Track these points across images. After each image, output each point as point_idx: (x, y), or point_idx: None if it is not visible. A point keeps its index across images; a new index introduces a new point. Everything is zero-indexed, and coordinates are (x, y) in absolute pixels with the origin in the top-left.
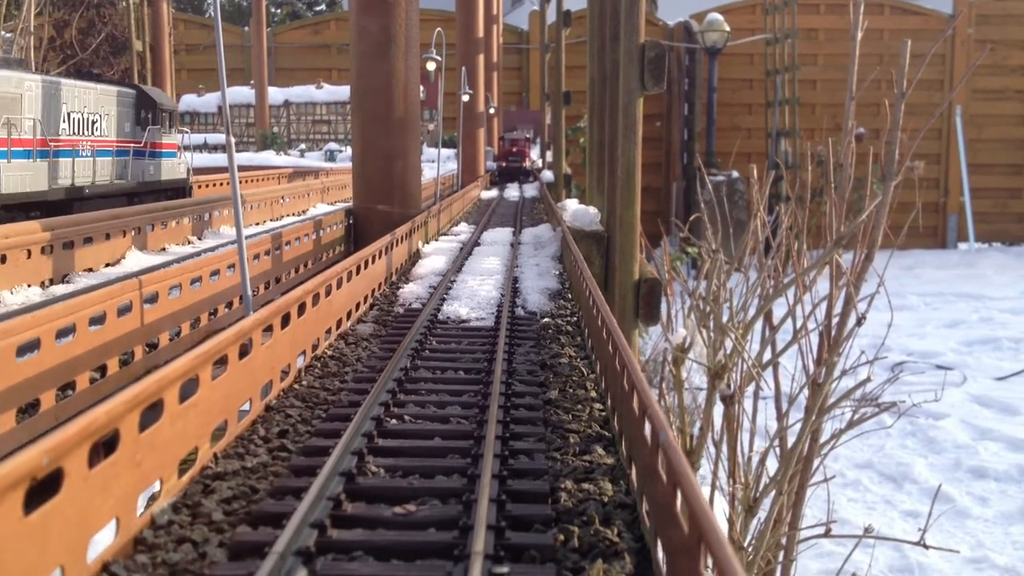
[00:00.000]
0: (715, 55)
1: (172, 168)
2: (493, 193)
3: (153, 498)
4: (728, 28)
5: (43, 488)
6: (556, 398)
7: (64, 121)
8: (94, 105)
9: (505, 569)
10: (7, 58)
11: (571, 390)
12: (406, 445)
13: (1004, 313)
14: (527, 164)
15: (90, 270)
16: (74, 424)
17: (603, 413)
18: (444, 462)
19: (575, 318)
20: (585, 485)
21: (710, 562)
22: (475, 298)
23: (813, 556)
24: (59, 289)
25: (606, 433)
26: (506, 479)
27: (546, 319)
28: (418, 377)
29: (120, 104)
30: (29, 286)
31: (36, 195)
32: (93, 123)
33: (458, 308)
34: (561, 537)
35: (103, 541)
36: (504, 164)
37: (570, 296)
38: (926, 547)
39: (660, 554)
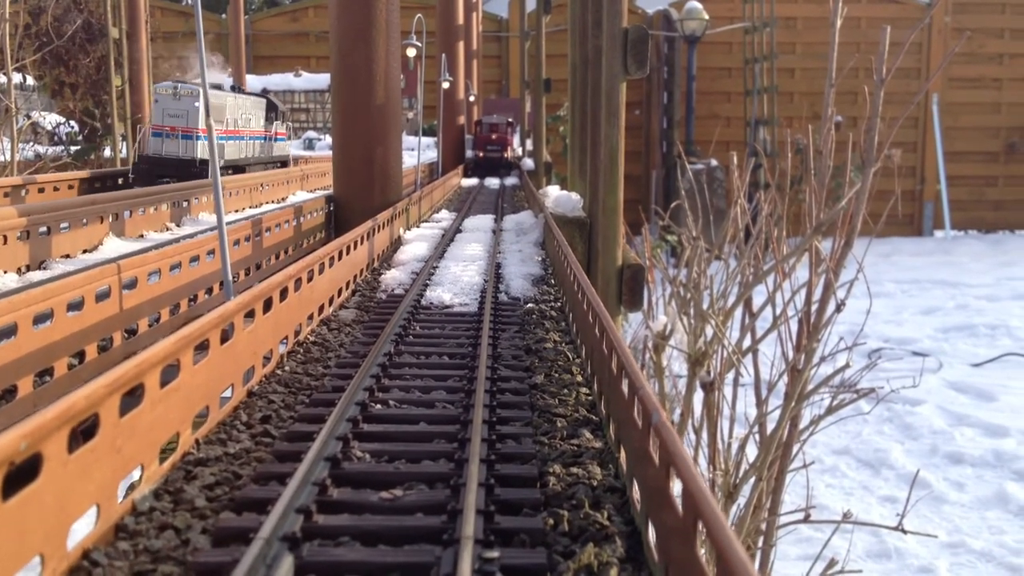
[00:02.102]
0: (694, 43)
1: (283, 148)
2: (473, 181)
3: (134, 485)
4: (707, 16)
5: (20, 474)
6: (542, 383)
7: (239, 119)
8: (249, 109)
9: (495, 553)
10: (221, 83)
11: (557, 375)
12: (392, 430)
13: (980, 300)
14: (508, 155)
15: (67, 256)
16: (53, 408)
17: (590, 397)
18: (431, 447)
19: (559, 303)
20: (574, 469)
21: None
22: (458, 284)
23: (792, 541)
24: (36, 275)
25: (593, 417)
26: (494, 463)
27: (530, 304)
28: (402, 362)
29: (259, 108)
30: (5, 272)
31: (235, 161)
32: (249, 120)
33: (441, 294)
34: (551, 521)
35: (83, 528)
36: (481, 155)
37: (553, 282)
38: (904, 532)
39: (651, 537)
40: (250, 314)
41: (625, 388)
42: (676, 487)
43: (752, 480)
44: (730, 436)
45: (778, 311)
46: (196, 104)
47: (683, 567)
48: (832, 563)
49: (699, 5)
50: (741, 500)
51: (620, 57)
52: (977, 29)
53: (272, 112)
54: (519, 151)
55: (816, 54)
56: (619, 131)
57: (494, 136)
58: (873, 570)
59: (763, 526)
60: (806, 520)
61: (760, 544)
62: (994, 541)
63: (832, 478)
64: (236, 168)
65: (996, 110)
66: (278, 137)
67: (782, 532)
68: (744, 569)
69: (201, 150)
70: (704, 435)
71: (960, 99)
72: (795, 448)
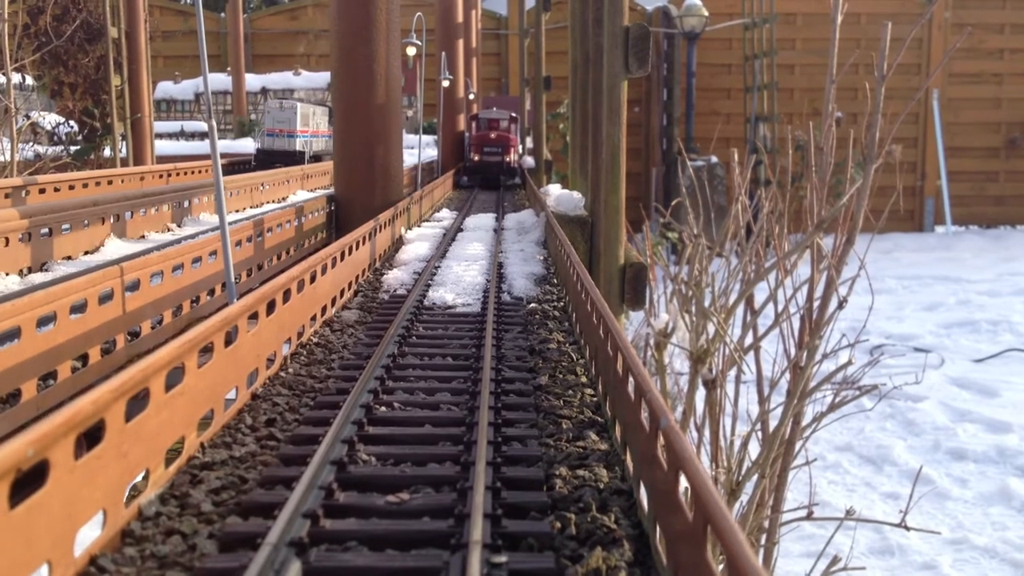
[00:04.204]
0: (694, 40)
1: None
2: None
3: (139, 489)
4: (706, 12)
5: (28, 481)
6: (546, 384)
7: (319, 123)
8: (320, 115)
9: (503, 558)
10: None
11: (561, 375)
12: (397, 432)
13: (981, 295)
14: (511, 158)
15: (69, 258)
16: (60, 414)
17: (594, 398)
18: (436, 449)
19: (562, 303)
20: (580, 471)
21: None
22: (460, 284)
23: (795, 539)
24: (38, 277)
25: (598, 419)
26: (500, 466)
27: (533, 304)
28: (406, 364)
29: (326, 114)
30: (7, 274)
31: (317, 153)
32: (319, 124)
33: (444, 294)
34: (558, 524)
35: (90, 534)
36: (477, 158)
37: (556, 281)
38: (907, 529)
39: (658, 539)
40: (253, 316)
41: (631, 390)
42: (683, 486)
43: (755, 478)
44: (732, 434)
45: (780, 308)
46: (295, 113)
47: (693, 571)
48: (835, 560)
49: (699, 1)
50: (744, 498)
51: (621, 55)
52: (977, 25)
53: (333, 116)
54: (524, 153)
55: (816, 50)
56: (621, 130)
57: (493, 135)
58: (876, 567)
59: (766, 523)
60: (809, 517)
61: (763, 542)
62: (997, 537)
63: (835, 475)
64: (315, 158)
65: (997, 105)
66: None
67: (785, 529)
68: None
69: (300, 144)
70: (706, 433)
71: (961, 95)
72: (797, 445)
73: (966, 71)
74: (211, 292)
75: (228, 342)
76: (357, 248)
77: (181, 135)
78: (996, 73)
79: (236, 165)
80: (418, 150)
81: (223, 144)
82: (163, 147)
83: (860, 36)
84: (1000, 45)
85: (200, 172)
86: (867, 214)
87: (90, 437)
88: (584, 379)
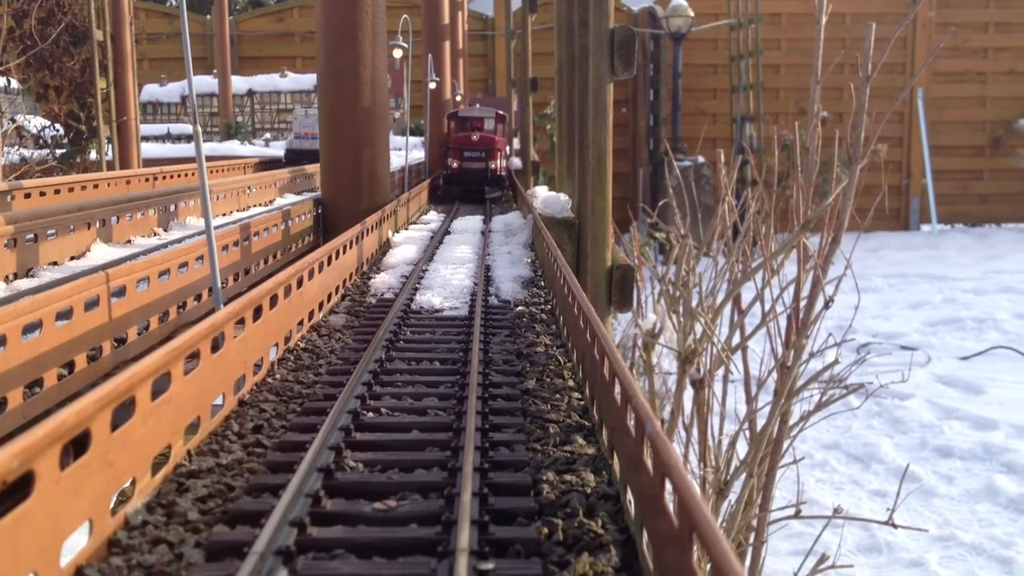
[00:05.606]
0: (680, 40)
1: None
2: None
3: (126, 497)
4: (692, 13)
5: (12, 492)
6: (534, 388)
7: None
8: None
9: (490, 565)
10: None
11: (548, 379)
12: (384, 438)
13: (967, 293)
14: (498, 164)
15: (55, 263)
16: (44, 425)
17: (581, 402)
18: (423, 455)
19: (549, 306)
20: (567, 476)
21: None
22: (448, 287)
23: (783, 537)
24: (24, 283)
25: (586, 423)
26: (487, 472)
27: (520, 307)
28: (393, 369)
29: None
30: None
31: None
32: None
33: (431, 298)
34: (545, 530)
35: (76, 544)
36: (456, 164)
37: (543, 284)
38: (895, 526)
39: (645, 544)
40: (240, 322)
41: (617, 395)
42: (669, 490)
43: (743, 476)
44: (720, 433)
45: (767, 308)
46: (317, 119)
47: None
48: (823, 558)
49: (684, 2)
50: (732, 496)
51: (607, 58)
52: (962, 24)
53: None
54: (514, 160)
55: (801, 50)
56: (607, 132)
57: (475, 137)
58: (864, 564)
59: (754, 522)
60: (797, 516)
61: (752, 540)
62: (984, 534)
63: (822, 473)
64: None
65: (981, 104)
66: None
67: (773, 528)
68: None
69: None
70: (695, 432)
71: (945, 93)
72: (785, 444)
73: (951, 70)
74: (198, 297)
75: (215, 348)
76: (344, 252)
77: (168, 138)
78: (980, 72)
79: (268, 164)
80: (405, 152)
81: (209, 147)
82: (150, 150)
83: (845, 36)
84: (984, 44)
85: (188, 175)
86: (853, 213)
87: (77, 444)
88: (571, 383)
